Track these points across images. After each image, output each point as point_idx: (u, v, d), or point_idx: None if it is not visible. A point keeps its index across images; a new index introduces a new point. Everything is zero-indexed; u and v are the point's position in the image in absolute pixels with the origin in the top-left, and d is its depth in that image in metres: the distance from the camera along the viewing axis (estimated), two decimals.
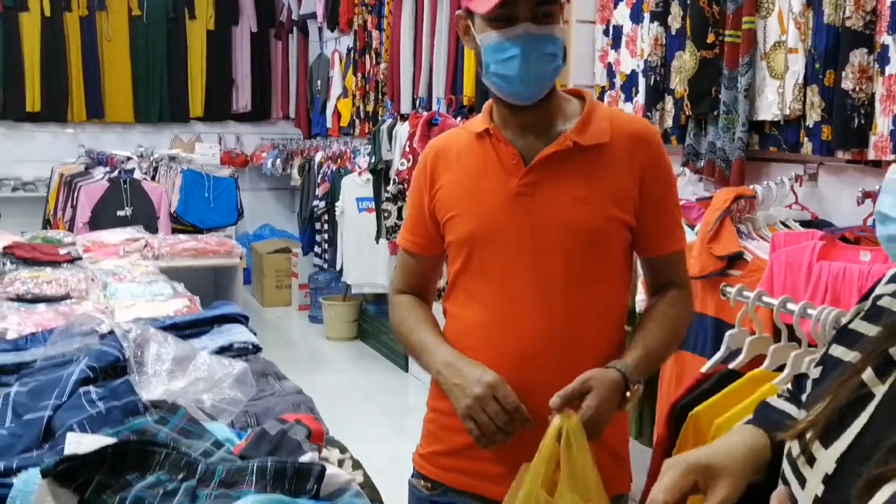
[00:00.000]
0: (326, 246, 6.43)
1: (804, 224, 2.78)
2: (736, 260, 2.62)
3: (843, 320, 1.05)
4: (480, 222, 1.52)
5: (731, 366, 1.84)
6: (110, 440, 1.38)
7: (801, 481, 0.90)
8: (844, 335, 1.02)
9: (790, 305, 1.77)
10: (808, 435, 0.91)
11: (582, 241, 1.49)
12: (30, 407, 1.57)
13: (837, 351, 1.00)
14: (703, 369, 1.91)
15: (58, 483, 1.32)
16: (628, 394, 1.45)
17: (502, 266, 1.51)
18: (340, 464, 1.62)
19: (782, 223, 2.79)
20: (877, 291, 1.02)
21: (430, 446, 1.61)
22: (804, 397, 1.08)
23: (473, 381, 1.46)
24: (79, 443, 1.39)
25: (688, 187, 3.30)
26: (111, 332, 1.85)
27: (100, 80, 8.38)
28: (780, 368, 1.77)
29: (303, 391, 2.13)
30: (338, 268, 6.10)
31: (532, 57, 1.43)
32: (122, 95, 8.50)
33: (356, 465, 1.65)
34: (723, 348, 1.90)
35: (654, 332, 1.54)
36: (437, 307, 1.76)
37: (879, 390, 0.87)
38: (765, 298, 1.84)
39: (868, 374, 0.89)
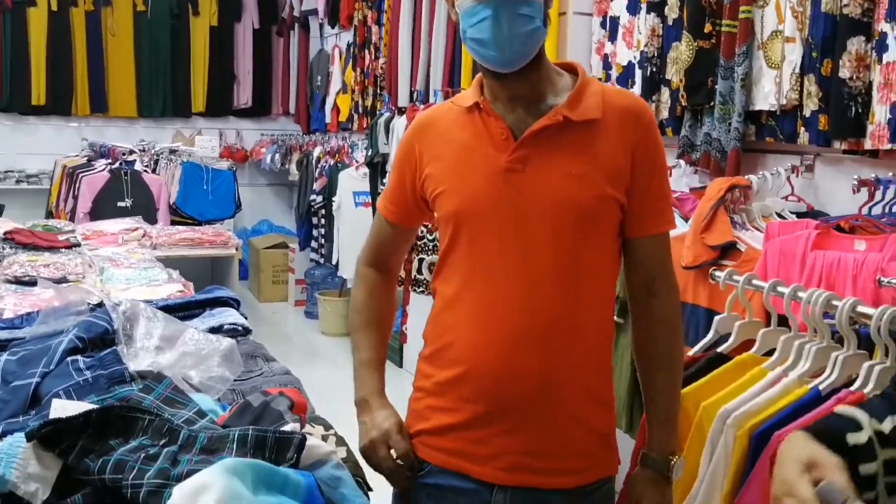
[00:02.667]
0: (323, 241, 6.43)
1: (800, 215, 2.76)
2: (729, 250, 2.60)
3: None
4: (468, 198, 1.50)
5: (720, 349, 1.83)
6: (94, 406, 1.38)
7: None
8: None
9: (780, 288, 1.77)
10: None
11: (572, 219, 1.46)
12: (18, 374, 1.58)
13: None
14: (691, 353, 1.90)
15: (42, 447, 1.32)
16: (673, 476, 1.54)
17: (491, 243, 1.48)
18: (325, 439, 1.62)
19: (777, 214, 2.78)
20: None
21: (416, 425, 1.60)
22: None
23: (374, 424, 1.58)
24: (63, 409, 1.39)
25: (683, 179, 3.29)
26: (101, 305, 1.85)
27: (104, 74, 8.40)
28: (769, 353, 1.76)
29: (291, 372, 2.13)
30: (334, 262, 6.10)
31: (504, 18, 1.40)
32: (126, 90, 8.51)
33: (340, 441, 1.65)
34: (711, 332, 1.89)
35: (663, 391, 1.57)
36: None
37: None
38: (755, 282, 1.84)
39: None
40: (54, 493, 1.31)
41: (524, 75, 1.48)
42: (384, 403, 1.62)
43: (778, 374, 1.66)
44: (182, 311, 2.42)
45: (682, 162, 3.25)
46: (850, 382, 1.57)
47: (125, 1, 8.39)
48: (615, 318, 1.65)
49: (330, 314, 6.51)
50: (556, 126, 1.46)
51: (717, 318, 1.90)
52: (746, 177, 2.80)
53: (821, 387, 1.58)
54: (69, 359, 1.62)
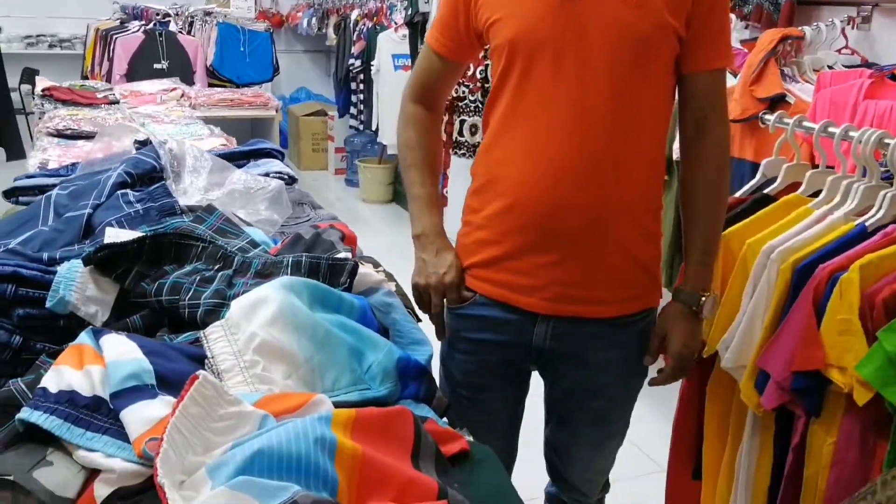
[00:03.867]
0: (362, 107, 6.36)
1: (853, 68, 2.68)
2: (778, 102, 2.55)
3: None
4: (525, 25, 1.45)
5: (767, 191, 1.81)
6: (148, 233, 1.41)
7: None
8: None
9: (831, 129, 1.73)
10: None
11: (631, 47, 1.41)
12: (70, 207, 1.61)
13: None
14: (738, 194, 1.88)
15: (99, 271, 1.36)
16: (704, 313, 1.54)
17: (545, 73, 1.44)
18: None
19: (829, 67, 2.69)
20: None
21: (465, 260, 1.61)
22: None
23: (435, 269, 1.58)
24: (117, 236, 1.42)
25: (734, 34, 3.18)
26: (147, 143, 1.86)
27: None
28: (816, 195, 1.74)
29: (338, 218, 2.15)
30: (374, 128, 6.05)
31: None
32: None
33: (389, 276, 1.67)
34: (758, 175, 1.86)
35: (703, 229, 1.55)
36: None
37: None
38: (805, 123, 1.79)
39: None
40: (113, 314, 1.35)
41: None
42: (445, 244, 1.61)
43: (824, 213, 1.64)
44: (227, 160, 2.43)
45: (733, 16, 3.13)
46: None
47: None
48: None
49: (370, 181, 6.52)
50: None
51: (764, 161, 1.87)
52: (800, 28, 2.71)
53: (868, 223, 1.56)
54: (119, 192, 1.64)
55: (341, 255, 1.45)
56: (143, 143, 1.95)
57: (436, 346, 1.44)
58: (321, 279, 1.35)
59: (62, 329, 1.34)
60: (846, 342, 1.39)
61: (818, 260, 1.52)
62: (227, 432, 0.92)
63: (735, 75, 2.74)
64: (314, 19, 7.85)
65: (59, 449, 0.92)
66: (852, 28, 2.72)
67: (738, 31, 3.17)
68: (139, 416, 0.93)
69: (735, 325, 1.63)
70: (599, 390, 1.60)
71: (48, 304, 1.32)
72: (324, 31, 7.76)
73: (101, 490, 0.88)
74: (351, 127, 6.80)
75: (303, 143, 7.60)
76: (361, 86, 6.34)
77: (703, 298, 1.54)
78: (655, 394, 1.80)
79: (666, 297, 1.87)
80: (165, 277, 1.34)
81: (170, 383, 1.05)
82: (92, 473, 0.90)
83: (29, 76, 7.31)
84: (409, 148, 1.68)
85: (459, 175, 4.65)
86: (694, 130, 1.53)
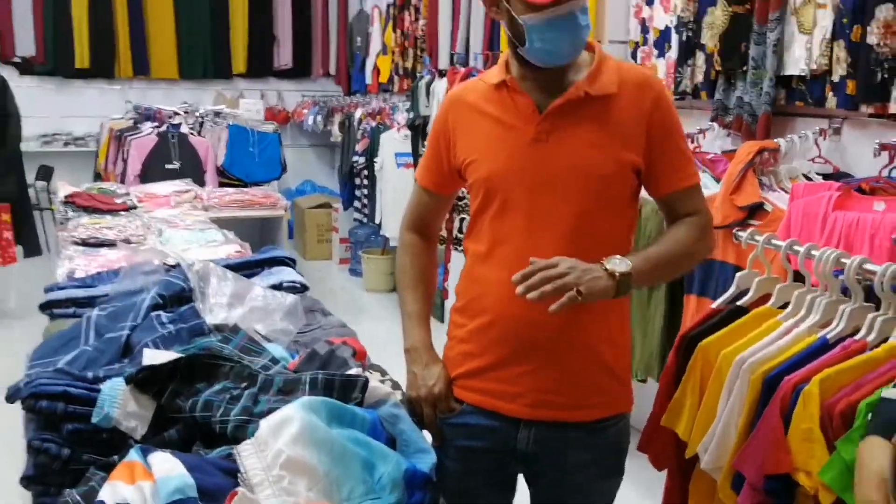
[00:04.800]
0: (366, 200, 6.62)
1: (826, 177, 2.88)
2: (757, 210, 2.74)
3: None
4: (498, 165, 1.66)
5: (740, 303, 1.99)
6: (181, 355, 1.58)
7: None
8: None
9: (796, 247, 1.91)
10: None
11: (592, 184, 1.61)
12: (109, 328, 1.78)
13: None
14: (713, 305, 2.05)
15: (138, 389, 1.53)
16: (607, 264, 1.53)
17: (517, 206, 1.64)
18: (381, 383, 1.81)
19: (804, 175, 2.90)
20: None
21: (452, 371, 1.76)
22: None
23: (424, 381, 1.73)
24: (154, 357, 1.59)
25: (716, 142, 3.41)
26: (177, 266, 2.05)
27: (145, 36, 8.62)
28: (785, 307, 1.91)
29: (347, 325, 2.32)
30: (377, 222, 6.28)
31: (572, 32, 1.57)
32: (167, 52, 8.74)
33: (395, 385, 1.84)
34: (733, 287, 2.04)
35: (659, 242, 1.67)
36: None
37: None
38: (774, 241, 1.98)
39: None
40: (151, 428, 1.52)
41: None
42: (433, 357, 1.78)
43: (790, 325, 1.81)
44: (243, 270, 2.61)
45: (715, 125, 3.36)
46: (856, 332, 1.73)
47: None
48: None
49: (373, 271, 6.72)
50: (576, 101, 1.61)
51: (738, 274, 2.05)
52: (775, 140, 2.92)
53: (828, 336, 1.73)
54: (153, 314, 1.82)
55: (353, 370, 1.61)
56: (172, 266, 2.13)
57: None
58: (336, 395, 1.52)
59: (106, 441, 1.50)
60: (810, 449, 1.54)
61: (784, 371, 1.68)
62: None
63: (718, 181, 2.95)
64: (319, 117, 8.19)
65: None
66: (824, 139, 2.94)
67: (720, 140, 3.40)
68: None
69: (712, 430, 1.78)
70: (579, 492, 1.74)
71: (94, 420, 1.49)
72: (328, 127, 8.09)
73: None
74: (355, 219, 7.04)
75: (308, 235, 7.83)
76: (365, 181, 6.60)
77: (617, 260, 1.54)
78: (640, 492, 1.93)
79: (649, 397, 2.03)
80: (198, 395, 1.51)
81: (209, 495, 1.21)
82: None
83: (45, 173, 7.60)
84: (403, 272, 1.88)
85: (459, 268, 4.84)
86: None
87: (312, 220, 7.78)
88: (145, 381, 1.52)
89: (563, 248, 1.59)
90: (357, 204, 6.82)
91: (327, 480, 1.29)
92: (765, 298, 1.97)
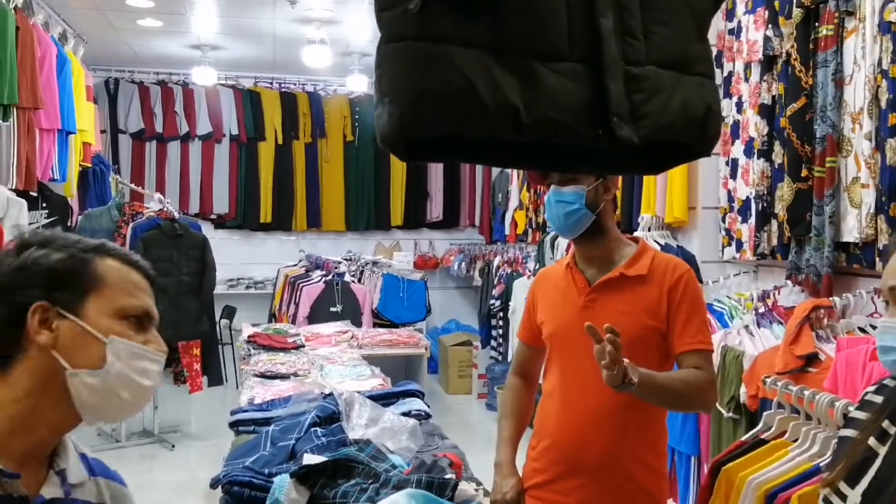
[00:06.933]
0: (501, 340, 7.27)
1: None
2: (813, 359, 3.20)
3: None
4: (559, 325, 2.29)
5: (764, 436, 2.48)
6: (329, 459, 2.26)
7: None
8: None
9: (807, 393, 2.41)
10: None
11: (625, 342, 2.06)
12: (281, 439, 2.50)
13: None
14: (743, 438, 2.55)
15: (299, 482, 2.21)
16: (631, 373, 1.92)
17: (572, 356, 2.24)
18: (474, 490, 2.42)
19: (860, 329, 3.33)
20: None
21: (526, 482, 2.34)
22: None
23: (502, 489, 2.26)
24: (311, 459, 2.28)
25: (790, 297, 3.87)
26: (330, 394, 2.77)
27: (319, 195, 9.91)
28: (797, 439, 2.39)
29: (458, 447, 2.94)
30: (510, 360, 6.87)
31: (553, 204, 2.21)
32: (336, 208, 9.98)
33: (486, 492, 2.44)
34: (760, 424, 2.54)
35: (668, 375, 2.15)
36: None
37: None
38: (790, 387, 2.48)
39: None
40: None
41: (592, 243, 2.26)
42: (513, 471, 2.34)
43: (794, 454, 2.29)
44: (382, 399, 3.31)
45: (789, 283, 3.84)
46: None
47: (337, 133, 9.92)
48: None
49: None
50: (615, 279, 2.23)
51: (765, 413, 2.54)
52: (830, 298, 3.39)
53: (822, 465, 2.21)
54: (312, 429, 2.53)
55: (448, 476, 2.24)
56: (328, 395, 2.86)
57: None
58: (434, 491, 2.14)
59: None
60: None
61: (781, 489, 2.18)
62: None
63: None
64: (464, 263, 9.05)
65: None
66: (878, 297, 3.37)
67: (794, 296, 3.86)
68: None
69: None
70: None
71: (268, 503, 2.17)
72: (471, 272, 8.91)
73: None
74: (491, 357, 7.68)
75: (451, 370, 8.53)
76: (501, 322, 7.28)
77: (636, 370, 1.93)
78: None
79: None
80: (338, 487, 2.17)
81: None
82: None
83: (228, 313, 8.76)
84: (502, 405, 2.50)
85: None
86: None
87: (455, 357, 8.49)
88: (304, 476, 2.20)
89: (607, 393, 2.10)
90: (493, 343, 7.48)
91: None
92: (785, 432, 2.45)
